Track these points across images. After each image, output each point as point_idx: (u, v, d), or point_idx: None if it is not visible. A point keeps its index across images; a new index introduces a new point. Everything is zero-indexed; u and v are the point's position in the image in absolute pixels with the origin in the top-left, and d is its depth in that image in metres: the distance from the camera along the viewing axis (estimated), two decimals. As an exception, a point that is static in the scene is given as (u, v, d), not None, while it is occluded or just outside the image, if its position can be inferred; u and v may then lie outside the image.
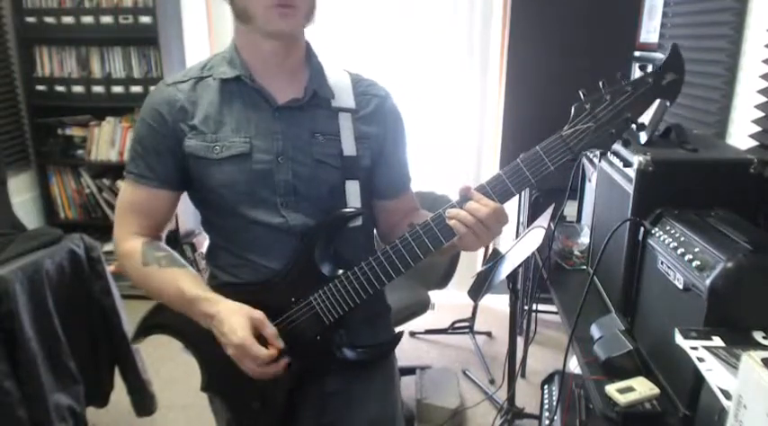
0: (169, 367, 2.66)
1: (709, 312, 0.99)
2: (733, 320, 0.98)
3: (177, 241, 3.41)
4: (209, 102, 1.08)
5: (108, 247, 3.31)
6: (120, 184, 3.47)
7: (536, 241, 1.80)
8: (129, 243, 1.13)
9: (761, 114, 1.65)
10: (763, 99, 1.65)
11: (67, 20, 3.27)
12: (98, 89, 3.38)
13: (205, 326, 1.07)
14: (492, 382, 2.74)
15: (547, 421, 1.67)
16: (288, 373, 1.08)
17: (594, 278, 1.49)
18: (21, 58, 3.35)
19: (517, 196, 1.03)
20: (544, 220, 1.90)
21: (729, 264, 0.98)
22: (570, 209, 2.09)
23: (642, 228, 1.26)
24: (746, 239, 1.04)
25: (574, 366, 1.50)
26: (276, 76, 1.09)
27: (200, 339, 1.09)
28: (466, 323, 3.17)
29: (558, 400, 1.60)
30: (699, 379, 0.99)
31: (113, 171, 3.50)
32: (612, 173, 1.48)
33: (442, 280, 2.57)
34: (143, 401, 2.23)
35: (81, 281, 2.09)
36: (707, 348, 0.91)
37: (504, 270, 1.94)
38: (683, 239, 1.12)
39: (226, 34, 3.30)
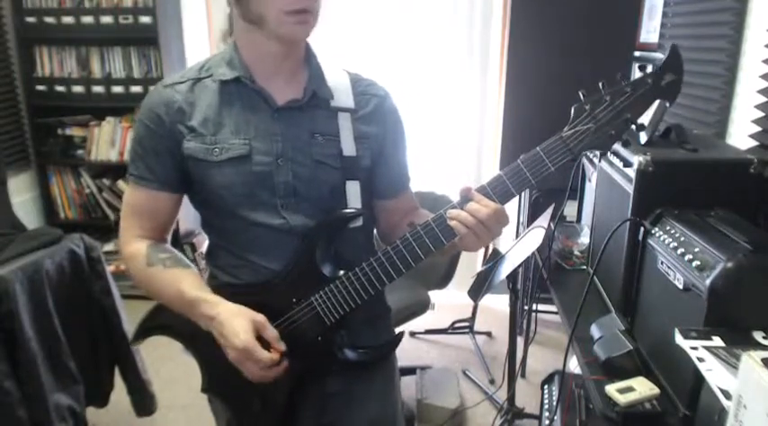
0: (169, 367, 2.66)
1: (709, 312, 0.99)
2: (733, 320, 0.98)
3: (177, 241, 3.42)
4: (207, 103, 1.08)
5: (108, 247, 3.32)
6: (120, 184, 3.47)
7: (536, 241, 1.80)
8: (133, 245, 1.13)
9: (761, 114, 1.65)
10: (763, 99, 1.65)
11: (67, 20, 3.27)
12: (98, 89, 3.38)
13: (205, 328, 1.06)
14: (492, 382, 2.74)
15: (547, 421, 1.67)
16: (288, 374, 1.08)
17: (594, 278, 1.49)
18: (21, 58, 3.35)
19: (517, 196, 1.04)
20: (544, 220, 1.90)
21: (729, 264, 0.98)
22: (570, 209, 2.09)
23: (642, 228, 1.26)
24: (746, 239, 1.04)
25: (574, 366, 1.50)
26: (276, 77, 1.09)
27: (201, 340, 1.09)
28: (466, 323, 3.18)
29: (558, 400, 1.60)
30: (699, 379, 0.99)
31: (113, 171, 3.50)
32: (612, 173, 1.48)
33: (442, 280, 2.57)
34: (143, 401, 2.23)
35: (81, 281, 2.09)
36: (707, 348, 0.91)
37: (504, 270, 1.95)
38: (683, 239, 1.12)
39: (226, 34, 3.30)
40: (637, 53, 2.74)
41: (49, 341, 1.94)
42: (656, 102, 0.99)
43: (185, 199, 1.17)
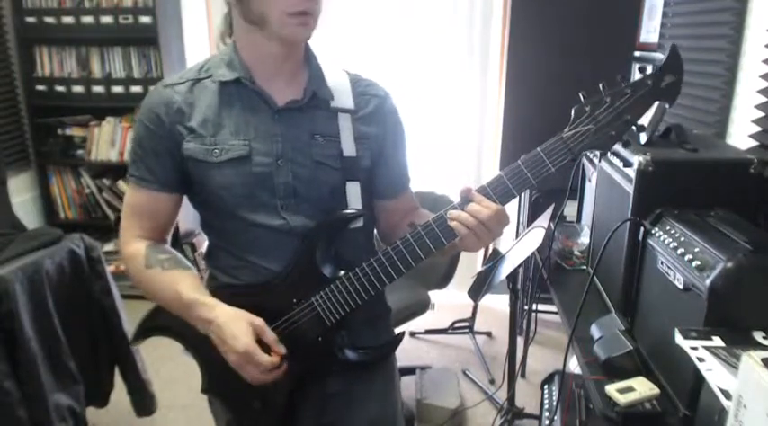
0: (169, 367, 2.66)
1: (709, 312, 0.99)
2: (733, 320, 0.98)
3: (177, 241, 3.41)
4: (207, 104, 1.08)
5: (108, 247, 3.32)
6: (121, 184, 3.47)
7: (536, 241, 1.80)
8: (132, 246, 1.13)
9: (761, 114, 1.66)
10: (763, 99, 1.65)
11: (67, 20, 3.27)
12: (98, 89, 3.37)
13: (202, 331, 1.06)
14: (492, 382, 2.74)
15: (547, 421, 1.67)
16: (289, 375, 1.08)
17: (594, 278, 1.49)
18: (21, 58, 3.35)
19: (518, 197, 1.04)
20: (544, 220, 1.90)
21: (729, 264, 0.98)
22: (570, 209, 2.09)
23: (642, 228, 1.26)
24: (746, 239, 1.04)
25: (574, 366, 1.50)
26: (276, 78, 1.09)
27: (200, 341, 1.09)
28: (466, 324, 3.18)
29: (558, 400, 1.60)
30: (699, 379, 0.99)
31: (113, 171, 3.50)
32: (612, 173, 1.48)
33: (442, 280, 2.57)
34: (143, 401, 2.23)
35: (81, 281, 2.09)
36: (707, 348, 0.91)
37: (504, 270, 1.95)
38: (683, 239, 1.12)
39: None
40: (637, 53, 2.74)
41: (49, 341, 1.94)
42: (656, 103, 0.99)
43: (185, 200, 1.17)
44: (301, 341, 1.09)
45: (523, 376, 2.76)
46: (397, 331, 1.25)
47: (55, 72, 3.40)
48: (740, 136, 1.75)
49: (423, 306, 2.42)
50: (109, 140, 3.43)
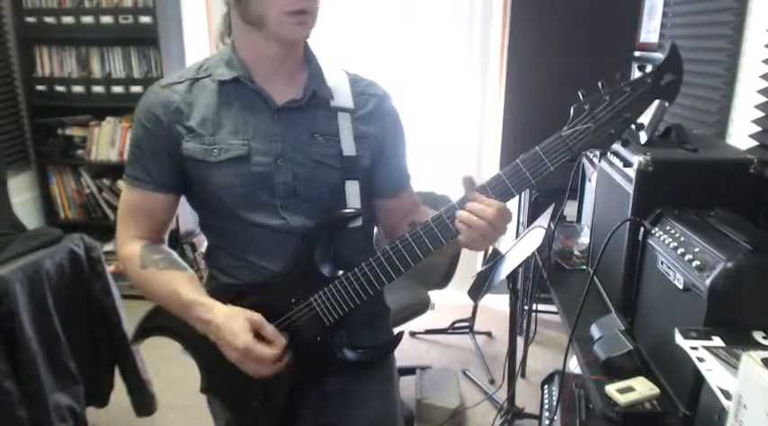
0: (169, 367, 2.66)
1: (709, 312, 0.99)
2: (733, 320, 0.98)
3: (177, 241, 3.42)
4: (206, 104, 1.08)
5: (108, 247, 3.31)
6: (121, 184, 3.47)
7: (536, 241, 1.80)
8: (129, 246, 1.13)
9: (761, 114, 1.65)
10: (763, 99, 1.65)
11: (67, 20, 3.27)
12: (98, 89, 3.38)
13: (201, 331, 1.06)
14: (492, 382, 2.74)
15: (547, 421, 1.67)
16: (288, 374, 1.08)
17: (594, 278, 1.49)
18: (21, 58, 3.35)
19: (517, 196, 1.03)
20: (544, 220, 1.90)
21: (729, 264, 0.98)
22: (570, 209, 2.09)
23: (642, 228, 1.26)
24: (746, 239, 1.04)
25: (574, 366, 1.50)
26: (275, 78, 1.09)
27: (199, 340, 1.09)
28: (466, 324, 3.17)
29: (558, 400, 1.60)
30: (699, 379, 0.99)
31: (113, 171, 3.50)
32: (612, 173, 1.48)
33: (442, 280, 2.57)
34: (143, 401, 2.23)
35: (81, 281, 2.09)
36: (707, 348, 0.91)
37: (504, 270, 1.94)
38: (683, 239, 1.12)
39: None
40: (637, 53, 2.74)
41: (49, 341, 1.94)
42: (656, 102, 0.99)
43: (183, 200, 1.17)
44: (300, 341, 1.09)
45: (523, 376, 2.76)
46: (397, 331, 1.25)
47: (55, 72, 3.40)
48: (740, 136, 1.75)
49: (423, 306, 2.42)
50: (109, 140, 3.43)
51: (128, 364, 2.20)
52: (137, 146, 1.10)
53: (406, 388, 2.56)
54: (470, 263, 3.23)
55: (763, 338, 0.95)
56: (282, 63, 1.08)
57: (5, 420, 1.77)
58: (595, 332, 1.32)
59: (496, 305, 3.36)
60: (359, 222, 1.12)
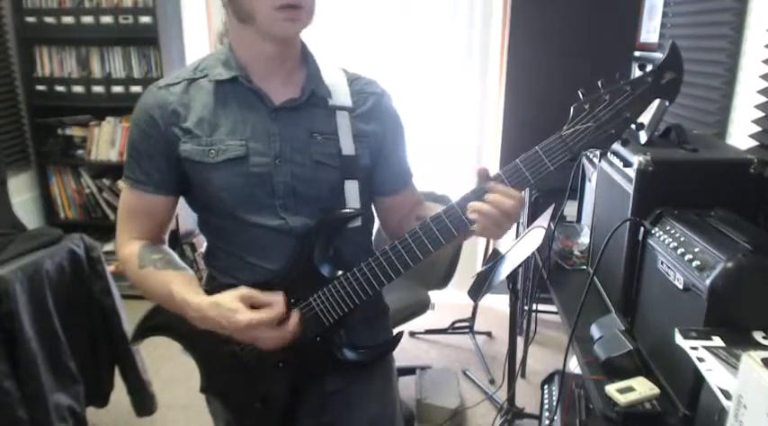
0: (169, 367, 2.66)
1: (709, 312, 0.99)
2: (733, 320, 0.98)
3: (177, 241, 3.42)
4: (202, 104, 1.07)
5: (108, 247, 3.32)
6: (120, 184, 3.46)
7: (536, 241, 1.80)
8: (128, 247, 1.13)
9: (761, 114, 1.65)
10: (763, 99, 1.64)
11: (67, 20, 3.27)
12: (98, 89, 3.38)
13: (201, 328, 1.06)
14: (492, 382, 2.74)
15: (547, 421, 1.67)
16: (288, 373, 1.08)
17: (594, 278, 1.48)
18: (21, 58, 3.35)
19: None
20: (544, 220, 1.90)
21: (729, 264, 0.98)
22: (570, 209, 2.09)
23: (642, 228, 1.26)
24: (746, 239, 1.04)
25: (574, 366, 1.50)
26: (273, 77, 1.08)
27: (198, 340, 1.09)
28: (466, 324, 3.17)
29: (558, 400, 1.60)
30: (699, 379, 0.99)
31: (113, 171, 3.50)
32: (612, 173, 1.48)
33: (442, 280, 2.57)
34: (143, 401, 2.23)
35: (81, 281, 2.09)
36: (707, 348, 0.91)
37: (504, 270, 1.94)
38: (683, 239, 1.12)
39: (226, 34, 3.30)
40: (637, 53, 2.74)
41: (49, 341, 1.94)
42: (656, 102, 0.99)
43: (182, 201, 1.17)
44: (300, 341, 1.08)
45: (523, 376, 2.76)
46: (397, 330, 1.25)
47: (55, 72, 3.40)
48: (740, 136, 1.75)
49: (423, 306, 2.42)
50: (109, 140, 3.43)
51: (128, 364, 2.20)
52: (133, 148, 1.10)
53: (406, 388, 2.56)
54: (470, 263, 3.23)
55: (763, 338, 0.95)
56: (279, 62, 1.08)
57: (5, 420, 1.77)
58: (595, 332, 1.32)
59: (496, 305, 3.36)
60: (358, 222, 1.12)
